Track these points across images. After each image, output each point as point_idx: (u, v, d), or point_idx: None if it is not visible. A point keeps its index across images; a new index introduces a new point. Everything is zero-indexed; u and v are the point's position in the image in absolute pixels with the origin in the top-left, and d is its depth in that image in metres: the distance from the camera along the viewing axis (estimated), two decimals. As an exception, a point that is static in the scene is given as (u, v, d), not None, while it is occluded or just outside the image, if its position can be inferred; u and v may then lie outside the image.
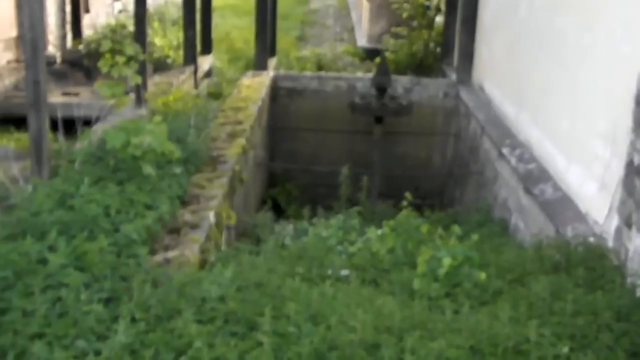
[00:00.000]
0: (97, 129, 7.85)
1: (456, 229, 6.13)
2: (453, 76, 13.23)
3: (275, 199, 11.75)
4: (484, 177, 10.14)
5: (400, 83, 12.82)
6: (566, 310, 4.49)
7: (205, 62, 16.28)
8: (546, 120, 8.50)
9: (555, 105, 8.16)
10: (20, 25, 15.15)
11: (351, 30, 28.06)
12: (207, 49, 16.60)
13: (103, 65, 6.47)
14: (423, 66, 16.56)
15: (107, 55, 6.55)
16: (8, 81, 13.88)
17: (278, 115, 12.73)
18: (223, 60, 18.97)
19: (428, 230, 6.54)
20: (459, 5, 13.42)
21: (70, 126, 7.47)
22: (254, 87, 11.69)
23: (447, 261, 5.33)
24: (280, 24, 19.00)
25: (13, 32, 15.14)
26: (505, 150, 9.14)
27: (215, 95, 15.20)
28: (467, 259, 5.44)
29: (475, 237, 5.98)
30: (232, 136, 8.70)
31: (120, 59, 6.40)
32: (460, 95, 12.38)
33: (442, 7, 16.24)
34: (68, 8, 17.76)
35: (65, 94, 13.54)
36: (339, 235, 7.07)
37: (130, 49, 6.42)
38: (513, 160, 8.77)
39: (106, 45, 6.55)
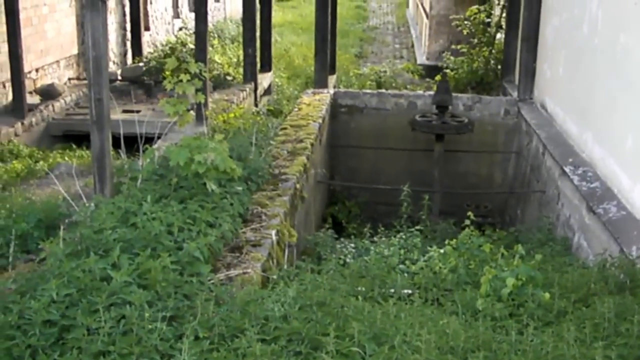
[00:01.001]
0: (159, 147, 7.93)
1: (520, 248, 6.00)
2: (514, 94, 13.06)
3: (336, 217, 11.70)
4: (546, 195, 9.95)
5: (461, 100, 12.70)
6: (632, 332, 4.36)
7: (265, 80, 16.38)
8: (610, 138, 8.31)
9: (620, 123, 7.97)
10: (81, 42, 15.48)
11: (410, 47, 28.01)
12: (266, 66, 16.70)
13: (167, 83, 6.51)
14: (483, 83, 16.42)
15: (168, 74, 6.60)
16: (69, 98, 14.15)
17: (338, 132, 12.71)
18: (282, 78, 19.07)
19: (490, 249, 6.43)
20: (521, 22, 13.26)
21: (131, 143, 7.55)
22: (314, 104, 11.70)
23: (510, 281, 5.23)
24: (339, 41, 19.05)
25: (74, 50, 15.48)
26: (568, 169, 8.96)
27: (275, 112, 15.27)
28: (531, 279, 5.32)
29: (538, 256, 5.85)
30: (293, 154, 8.69)
31: (185, 77, 6.43)
32: (521, 112, 12.20)
33: (503, 24, 16.09)
34: (128, 26, 18.09)
35: (125, 111, 13.73)
36: (401, 254, 7.00)
37: (195, 67, 6.45)
38: (576, 179, 8.58)
39: (171, 64, 6.59)
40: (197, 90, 6.61)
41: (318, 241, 8.20)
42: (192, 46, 16.13)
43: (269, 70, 16.89)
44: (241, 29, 21.88)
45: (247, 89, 14.96)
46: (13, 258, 5.86)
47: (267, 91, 16.70)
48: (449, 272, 5.96)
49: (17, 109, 12.61)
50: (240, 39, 19.70)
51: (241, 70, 15.71)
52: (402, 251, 7.12)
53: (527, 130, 11.61)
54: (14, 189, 9.23)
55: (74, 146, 12.48)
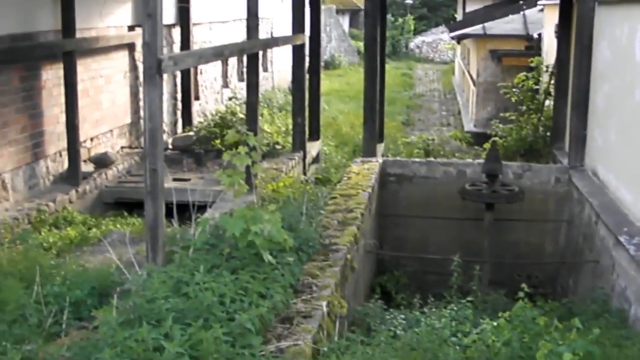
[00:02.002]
0: (210, 216, 8.01)
1: (576, 322, 5.87)
2: (565, 161, 12.97)
3: (384, 287, 11.61)
4: (600, 265, 9.77)
5: (511, 169, 12.63)
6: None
7: (313, 148, 16.51)
8: (667, 207, 8.19)
9: (677, 192, 7.86)
10: (133, 112, 15.83)
11: (457, 114, 28.11)
12: (315, 134, 16.85)
13: (226, 155, 6.63)
14: (533, 151, 16.34)
15: (218, 142, 6.71)
16: (122, 166, 14.41)
17: (387, 201, 12.69)
18: (330, 146, 19.21)
19: (544, 322, 6.30)
20: (570, 89, 13.25)
21: (182, 210, 7.64)
22: (363, 173, 11.74)
23: (567, 356, 5.11)
24: (387, 108, 19.18)
25: (127, 120, 15.82)
26: (623, 238, 8.80)
27: (324, 180, 15.34)
28: (589, 354, 5.20)
29: (596, 330, 5.72)
30: (343, 224, 8.69)
31: (243, 150, 6.55)
32: (572, 180, 12.08)
33: (552, 91, 16.08)
34: (179, 95, 18.46)
35: (176, 179, 13.95)
36: (452, 326, 6.90)
37: (253, 140, 6.58)
38: (632, 249, 8.42)
39: (231, 137, 6.73)
40: (253, 163, 6.71)
41: (367, 312, 8.14)
42: (241, 115, 16.39)
43: (318, 138, 17.04)
44: (289, 97, 22.30)
45: (296, 158, 15.09)
46: (66, 325, 5.92)
47: (316, 159, 16.82)
48: (503, 346, 5.85)
49: (72, 176, 12.88)
50: (288, 108, 20.01)
51: (290, 138, 15.88)
52: (453, 323, 7.02)
53: (579, 199, 11.48)
54: (68, 255, 9.36)
55: (126, 213, 12.67)
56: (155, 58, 6.64)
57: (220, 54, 10.90)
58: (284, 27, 22.78)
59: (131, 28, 15.61)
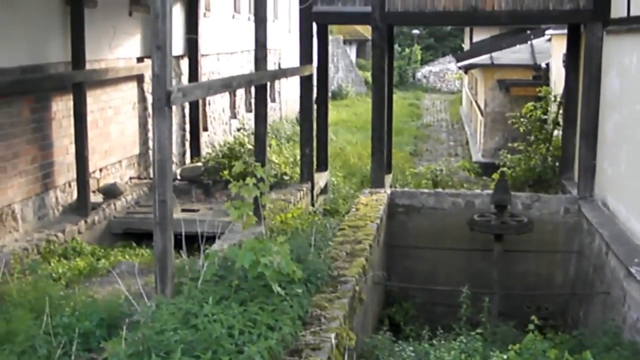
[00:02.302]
0: (219, 247, 8.00)
1: (588, 355, 5.83)
2: (574, 191, 12.94)
3: (392, 318, 11.54)
4: (611, 297, 9.70)
5: (519, 199, 12.60)
6: None
7: (321, 179, 16.52)
8: (678, 238, 8.14)
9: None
10: (142, 143, 15.89)
11: (465, 144, 28.11)
12: (323, 165, 16.86)
13: (233, 187, 6.64)
14: (541, 181, 16.30)
15: (227, 173, 6.72)
16: (130, 197, 14.43)
17: (395, 232, 12.66)
18: (338, 177, 19.22)
19: (555, 355, 6.26)
20: (579, 119, 13.26)
21: (190, 241, 7.63)
22: (372, 205, 11.73)
23: (579, 390, 5.07)
24: (394, 139, 19.21)
25: (136, 150, 15.87)
26: (634, 269, 8.74)
27: (332, 211, 15.33)
28: (601, 387, 5.15)
29: (609, 364, 5.68)
30: (352, 255, 8.67)
31: (250, 181, 6.56)
32: (582, 211, 12.04)
33: (560, 120, 16.08)
34: (187, 126, 18.54)
35: (185, 210, 13.95)
36: (462, 359, 6.84)
37: (261, 171, 6.58)
38: (643, 280, 8.38)
39: (238, 168, 6.74)
40: (261, 194, 6.71)
41: (376, 344, 8.09)
42: (249, 146, 16.43)
43: (326, 169, 17.05)
44: (296, 128, 22.35)
45: (304, 189, 15.10)
46: (75, 357, 5.90)
47: (324, 190, 16.81)
48: (513, 379, 5.81)
49: (81, 207, 12.91)
50: (296, 138, 20.05)
51: (297, 169, 15.90)
52: (462, 356, 6.97)
53: (589, 229, 11.43)
54: (77, 286, 9.35)
55: (134, 244, 12.67)
56: (165, 90, 6.67)
57: (228, 85, 10.95)
58: (292, 57, 22.92)
59: (140, 59, 15.72)
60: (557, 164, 15.87)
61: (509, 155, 17.85)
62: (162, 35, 6.54)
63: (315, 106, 16.12)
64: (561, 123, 15.83)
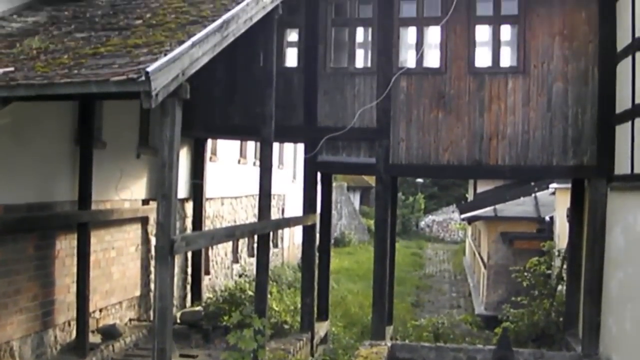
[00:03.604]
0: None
1: None
2: (578, 348, 12.70)
3: None
4: None
5: (522, 356, 12.36)
6: None
7: (321, 328, 16.26)
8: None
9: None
10: (143, 285, 15.77)
11: (467, 296, 27.89)
12: (323, 314, 16.63)
13: (231, 338, 6.53)
14: (545, 337, 16.08)
15: (227, 318, 6.61)
16: (129, 339, 14.17)
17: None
18: (339, 326, 18.95)
19: None
20: (583, 274, 13.15)
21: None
22: (372, 357, 11.49)
23: None
24: (396, 289, 19.07)
25: (137, 292, 15.73)
26: None
27: (332, 363, 15.03)
28: None
29: None
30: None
31: (248, 332, 6.45)
32: (588, 369, 11.78)
33: (564, 275, 15.99)
34: (189, 270, 18.44)
35: (183, 355, 13.68)
36: None
37: (258, 323, 6.48)
38: None
39: (235, 318, 6.65)
40: (259, 347, 6.58)
41: None
42: (250, 293, 16.28)
43: (326, 318, 16.80)
44: (298, 274, 22.21)
45: (304, 338, 14.83)
46: None
47: (324, 340, 16.52)
48: None
49: (79, 347, 12.66)
50: (297, 285, 19.88)
51: (298, 317, 15.68)
52: None
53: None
54: None
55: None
56: (168, 239, 6.66)
57: (231, 235, 11.00)
58: (296, 203, 23.08)
59: (145, 202, 15.82)
60: (561, 319, 15.65)
61: (512, 310, 17.66)
62: (168, 184, 6.60)
63: (317, 254, 16.08)
64: (565, 278, 15.72)
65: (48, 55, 8.87)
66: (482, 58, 13.73)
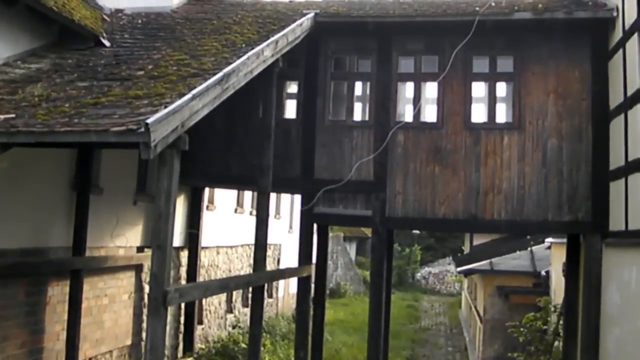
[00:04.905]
0: None
1: None
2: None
3: None
4: None
5: (518, 414, 12.23)
6: None
7: (315, 382, 16.06)
8: None
9: None
10: (134, 333, 15.63)
11: (464, 350, 27.68)
12: (317, 368, 16.44)
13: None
14: (541, 394, 15.92)
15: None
16: (119, 386, 14.05)
17: None
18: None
19: None
20: (579, 331, 13.06)
21: None
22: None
23: None
24: (391, 342, 18.88)
25: (128, 341, 15.59)
26: None
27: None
28: None
29: None
30: None
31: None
32: None
33: (561, 331, 15.89)
34: (182, 319, 18.30)
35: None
36: None
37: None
38: None
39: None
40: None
41: None
42: (243, 345, 16.15)
43: (320, 372, 16.61)
44: (292, 325, 22.04)
45: (296, 393, 14.69)
46: None
47: (317, 394, 16.31)
48: None
49: (66, 398, 12.54)
50: (291, 336, 19.70)
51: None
52: None
53: None
54: None
55: None
56: (162, 290, 6.66)
57: (226, 287, 10.95)
58: (292, 253, 23.02)
59: (140, 249, 15.78)
60: (557, 377, 15.54)
61: (508, 366, 17.56)
62: (163, 235, 6.62)
63: (311, 306, 15.97)
64: (562, 334, 15.62)
65: (49, 103, 8.95)
66: (478, 114, 13.84)
